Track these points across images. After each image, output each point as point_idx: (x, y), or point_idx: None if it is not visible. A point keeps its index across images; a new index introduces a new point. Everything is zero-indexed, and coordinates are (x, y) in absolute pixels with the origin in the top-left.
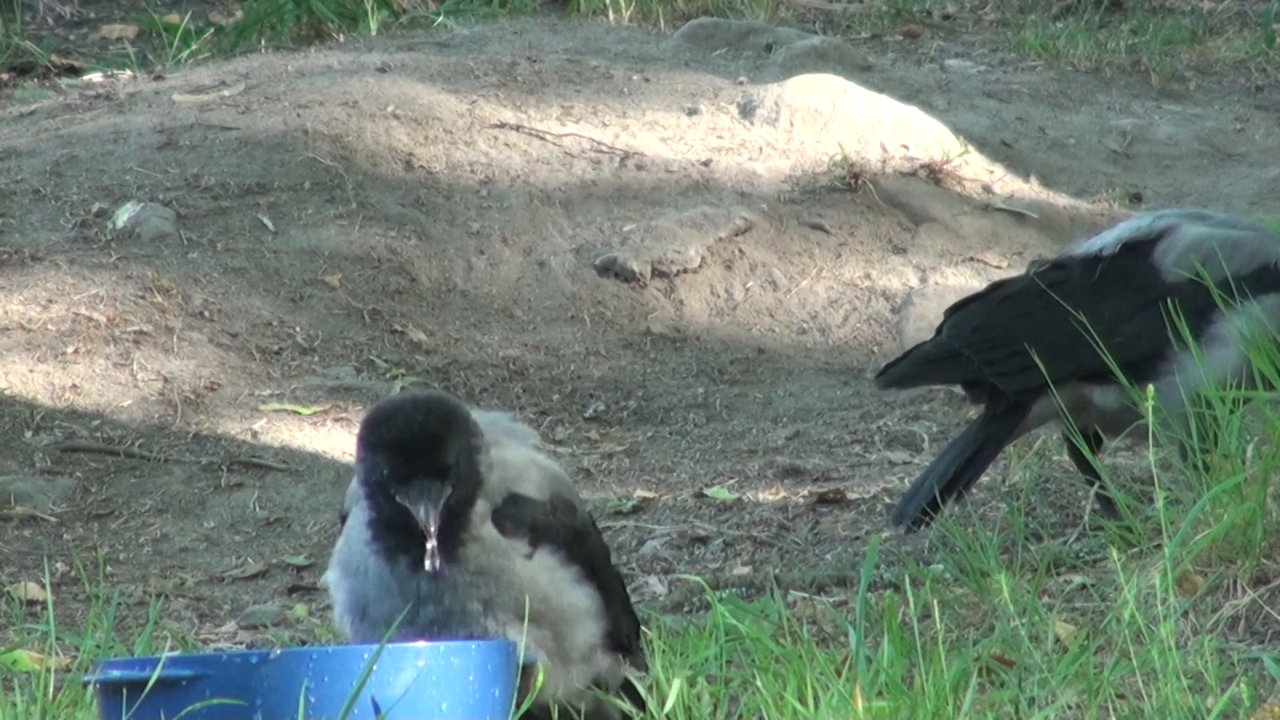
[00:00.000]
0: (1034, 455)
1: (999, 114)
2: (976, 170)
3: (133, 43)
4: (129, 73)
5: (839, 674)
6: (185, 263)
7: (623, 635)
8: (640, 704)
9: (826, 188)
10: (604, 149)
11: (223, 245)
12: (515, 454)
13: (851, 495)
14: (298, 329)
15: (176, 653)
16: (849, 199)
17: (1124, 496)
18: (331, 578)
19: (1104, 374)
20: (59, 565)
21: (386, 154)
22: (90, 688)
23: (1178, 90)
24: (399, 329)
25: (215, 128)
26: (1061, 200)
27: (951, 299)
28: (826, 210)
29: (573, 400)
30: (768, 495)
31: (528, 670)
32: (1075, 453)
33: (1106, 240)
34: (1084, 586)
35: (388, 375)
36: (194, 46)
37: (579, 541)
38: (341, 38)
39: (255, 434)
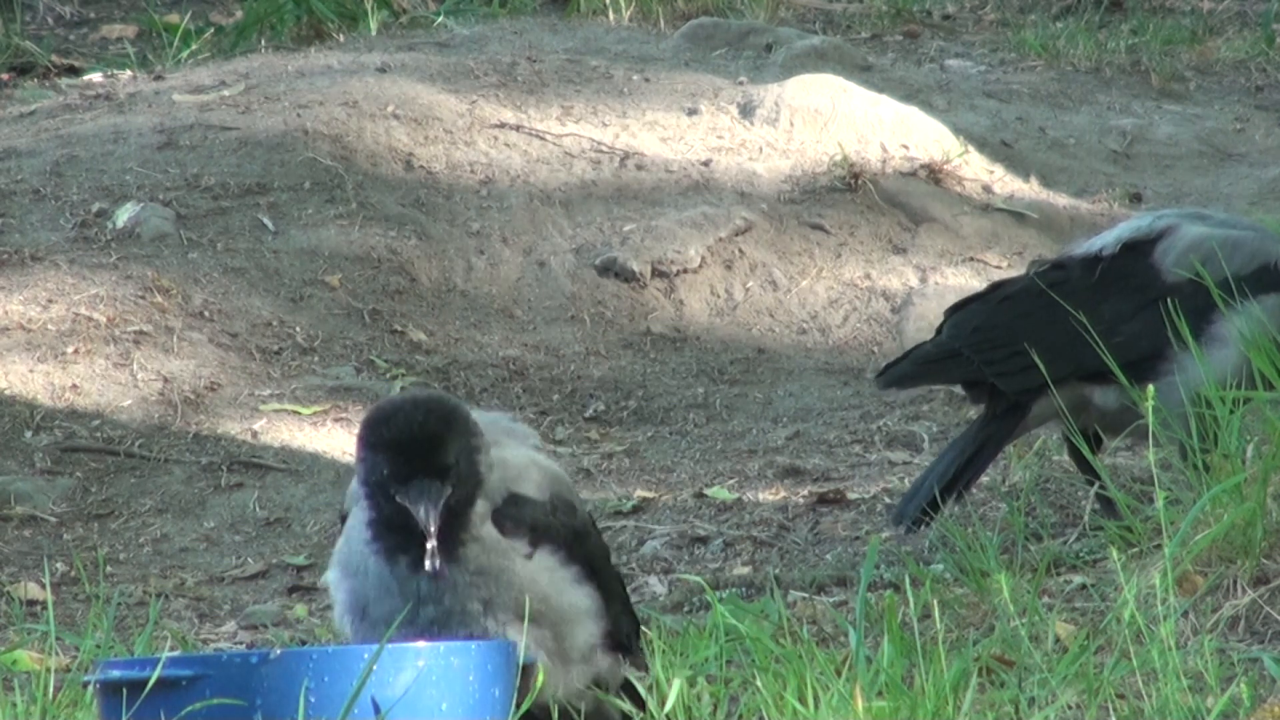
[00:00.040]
0: (1034, 455)
1: (999, 114)
2: (976, 170)
3: (133, 43)
4: (129, 73)
5: (839, 674)
6: (185, 263)
7: (623, 635)
8: (640, 704)
9: (826, 188)
10: (604, 149)
11: (223, 245)
12: (515, 454)
13: (851, 495)
14: (298, 329)
15: (176, 653)
16: (849, 199)
17: (1124, 496)
18: (331, 578)
19: (1104, 374)
20: (59, 565)
21: (386, 154)
22: (90, 688)
23: (1178, 90)
24: (399, 329)
25: (215, 128)
26: (1061, 200)
27: (951, 299)
28: (826, 210)
29: (573, 400)
30: (768, 495)
31: (528, 670)
32: (1075, 453)
33: (1106, 240)
34: (1084, 586)
35: (388, 375)
36: (194, 46)
37: (579, 541)
38: (341, 38)
39: (255, 434)
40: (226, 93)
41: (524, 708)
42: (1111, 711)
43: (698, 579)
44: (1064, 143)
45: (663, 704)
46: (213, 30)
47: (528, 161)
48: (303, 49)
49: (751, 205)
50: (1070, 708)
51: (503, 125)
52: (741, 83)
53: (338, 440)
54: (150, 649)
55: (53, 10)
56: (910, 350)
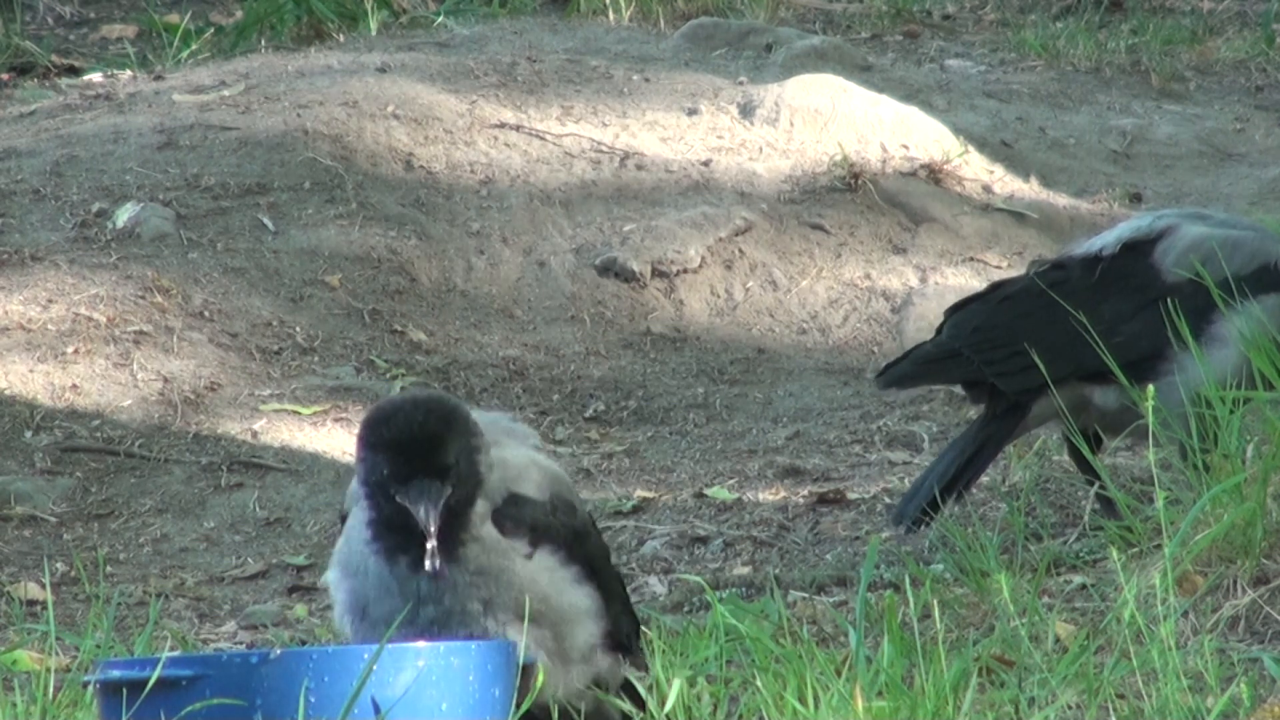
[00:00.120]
0: (1034, 455)
1: (999, 114)
2: (976, 170)
3: (133, 43)
4: (129, 73)
5: (839, 674)
6: (185, 263)
7: (623, 635)
8: (640, 704)
9: (826, 188)
10: (604, 149)
11: (223, 245)
12: (515, 454)
13: (851, 495)
14: (298, 329)
15: (176, 653)
16: (849, 199)
17: (1124, 496)
18: (331, 578)
19: (1104, 374)
20: (59, 565)
21: (386, 154)
22: (90, 688)
23: (1178, 90)
24: (399, 329)
25: (215, 128)
26: (1061, 200)
27: (951, 299)
28: (826, 210)
29: (573, 400)
30: (768, 495)
31: (528, 670)
32: (1075, 453)
33: (1106, 240)
34: (1084, 586)
35: (388, 375)
36: (194, 46)
37: (579, 541)
38: (341, 38)
39: (255, 434)
40: (226, 93)
41: (524, 708)
42: (1111, 711)
43: (698, 579)
44: (1064, 143)
45: (663, 704)
46: (213, 30)
47: (528, 161)
48: (303, 49)
49: (751, 205)
50: (1070, 708)
51: (503, 125)
52: (741, 83)
53: (338, 440)
54: (150, 649)
55: (53, 10)
56: (910, 350)
